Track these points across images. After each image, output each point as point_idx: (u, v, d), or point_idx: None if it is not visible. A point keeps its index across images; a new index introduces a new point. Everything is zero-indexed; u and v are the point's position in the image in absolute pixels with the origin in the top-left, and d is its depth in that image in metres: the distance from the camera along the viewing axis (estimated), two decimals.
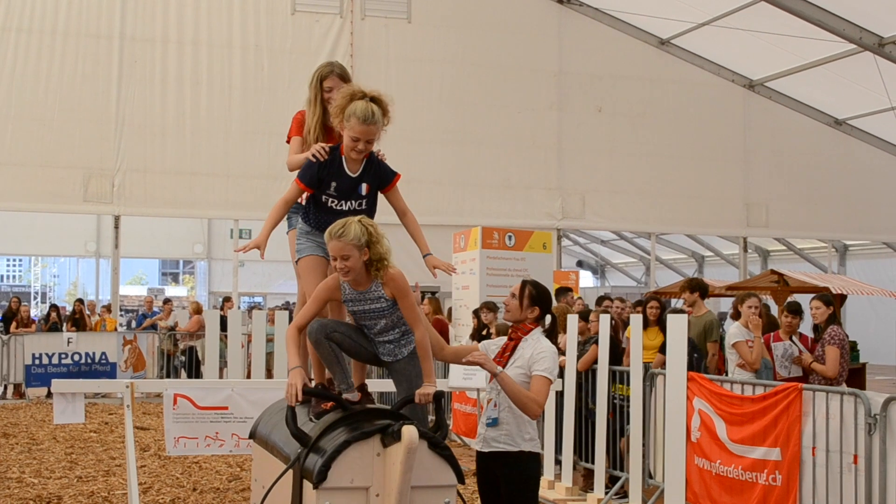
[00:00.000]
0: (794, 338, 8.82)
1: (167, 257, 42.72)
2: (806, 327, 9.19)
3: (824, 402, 6.42)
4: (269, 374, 11.51)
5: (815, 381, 8.13)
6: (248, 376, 10.59)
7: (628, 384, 8.60)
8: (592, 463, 9.17)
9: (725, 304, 20.45)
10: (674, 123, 20.99)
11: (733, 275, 23.30)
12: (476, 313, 12.14)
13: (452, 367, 4.62)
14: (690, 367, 7.84)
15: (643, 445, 8.31)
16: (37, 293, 47.82)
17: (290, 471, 4.51)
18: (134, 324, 21.42)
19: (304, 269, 5.10)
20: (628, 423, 8.57)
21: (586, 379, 9.40)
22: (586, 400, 9.40)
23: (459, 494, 4.62)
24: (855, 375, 12.17)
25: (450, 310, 14.96)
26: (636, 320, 8.62)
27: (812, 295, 9.12)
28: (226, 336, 11.40)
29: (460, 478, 4.51)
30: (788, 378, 8.34)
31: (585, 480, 9.47)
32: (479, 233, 13.42)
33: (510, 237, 13.49)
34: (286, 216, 5.39)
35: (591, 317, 10.09)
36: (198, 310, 18.17)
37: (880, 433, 5.93)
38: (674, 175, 20.93)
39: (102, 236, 27.48)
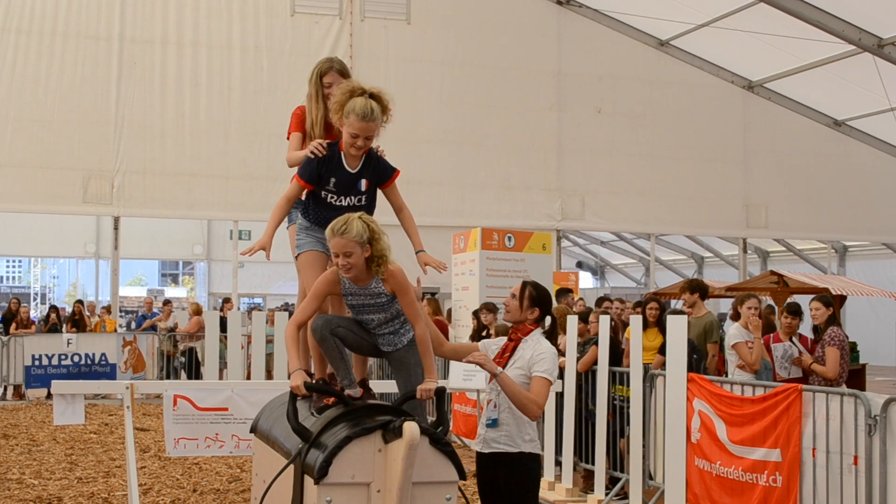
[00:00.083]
0: (793, 339, 8.82)
1: (167, 258, 42.72)
2: (805, 328, 9.20)
3: (824, 403, 6.42)
4: (269, 375, 11.51)
5: (815, 382, 8.13)
6: (248, 377, 10.59)
7: (628, 385, 8.60)
8: (592, 464, 9.17)
9: (725, 305, 20.45)
10: (673, 124, 20.99)
11: (733, 276, 23.30)
12: (476, 314, 12.15)
13: (452, 368, 4.63)
14: (690, 368, 7.84)
15: (643, 446, 8.31)
16: (36, 294, 47.82)
17: (291, 466, 4.51)
18: (133, 325, 21.42)
19: (303, 264, 5.10)
20: (628, 424, 8.57)
21: (586, 380, 9.40)
22: (586, 401, 9.39)
23: (461, 491, 4.62)
24: (855, 376, 12.18)
25: (449, 311, 14.96)
26: (636, 321, 8.62)
27: (812, 296, 9.11)
28: (225, 337, 11.40)
29: (462, 474, 4.51)
30: (788, 379, 8.35)
31: (585, 481, 9.46)
32: (479, 234, 13.42)
33: (510, 238, 13.50)
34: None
35: (591, 318, 10.09)
36: (197, 311, 18.17)
37: (880, 434, 5.93)
38: (673, 176, 20.93)
39: (102, 237, 27.47)
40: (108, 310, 19.06)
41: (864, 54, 17.69)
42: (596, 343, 9.19)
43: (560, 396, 9.22)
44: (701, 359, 9.06)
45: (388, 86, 5.09)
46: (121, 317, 20.87)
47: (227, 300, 19.46)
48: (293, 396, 4.63)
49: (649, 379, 8.37)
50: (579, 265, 34.92)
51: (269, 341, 10.93)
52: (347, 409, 4.61)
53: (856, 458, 6.12)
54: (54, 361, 16.91)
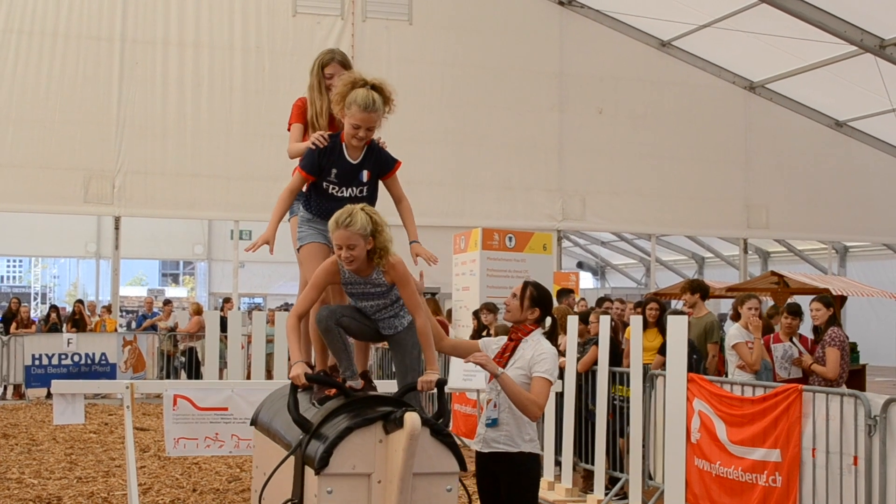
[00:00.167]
0: (793, 339, 8.82)
1: (167, 258, 42.71)
2: (806, 328, 9.20)
3: (824, 403, 6.42)
4: (269, 375, 11.50)
5: (815, 382, 8.13)
6: (248, 377, 10.59)
7: (628, 385, 8.60)
8: (592, 464, 9.17)
9: (725, 306, 20.44)
10: (674, 125, 20.99)
11: (733, 276, 23.30)
12: (476, 314, 12.15)
13: (452, 368, 4.66)
14: (689, 369, 7.83)
15: (643, 446, 8.31)
16: (37, 294, 47.81)
17: (292, 457, 4.51)
18: (134, 325, 21.42)
19: (305, 256, 5.10)
20: (628, 424, 8.57)
21: (586, 380, 9.40)
22: (586, 401, 9.39)
23: (461, 482, 4.62)
24: (855, 377, 12.17)
25: (449, 311, 14.95)
26: (636, 321, 8.62)
27: (812, 296, 9.11)
28: (226, 337, 11.40)
29: (462, 465, 4.52)
30: (788, 379, 8.35)
31: (585, 481, 9.46)
32: (480, 234, 13.41)
33: (510, 238, 13.49)
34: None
35: (591, 318, 10.08)
36: (198, 311, 18.17)
37: (880, 434, 5.93)
38: (674, 176, 20.94)
39: (103, 237, 27.50)
40: (108, 309, 19.07)
41: (865, 55, 17.69)
42: (596, 343, 9.19)
43: (560, 396, 9.22)
44: (701, 359, 9.06)
45: None
46: (121, 317, 20.88)
47: (227, 300, 19.46)
48: (294, 387, 4.64)
49: (649, 379, 8.37)
50: (580, 265, 34.93)
51: (270, 341, 10.91)
52: (348, 400, 4.61)
53: (855, 458, 6.12)
54: (54, 361, 16.92)
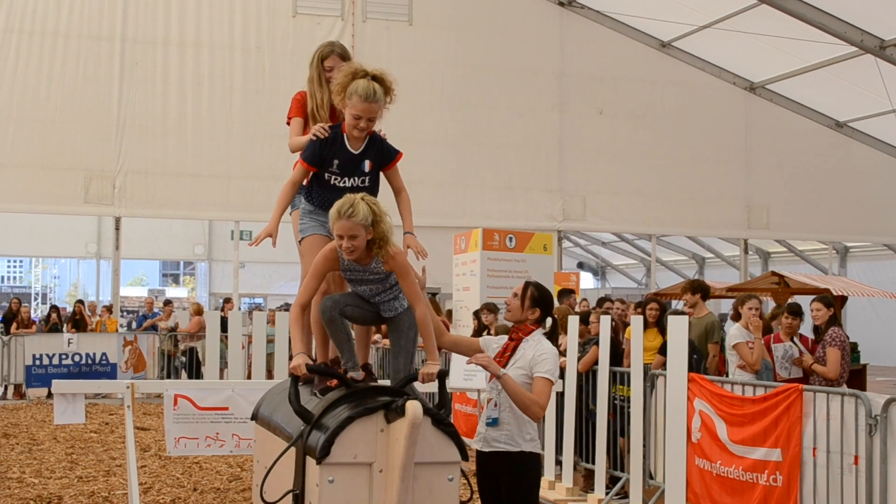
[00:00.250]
0: (794, 339, 8.82)
1: (168, 258, 42.73)
2: (806, 328, 9.20)
3: (825, 403, 6.42)
4: (270, 375, 11.49)
5: (816, 382, 8.14)
6: (249, 377, 10.59)
7: (628, 385, 8.60)
8: (593, 463, 9.17)
9: (726, 306, 20.45)
10: (675, 125, 21.00)
11: (734, 276, 23.30)
12: (477, 315, 12.15)
13: (453, 367, 4.67)
14: (690, 369, 7.84)
15: (644, 446, 8.31)
16: (37, 294, 47.84)
17: (293, 449, 4.51)
18: (134, 325, 21.43)
19: (307, 248, 5.09)
20: (629, 423, 8.57)
21: (587, 380, 9.40)
22: (587, 401, 9.40)
23: (463, 472, 4.62)
24: (855, 377, 12.17)
25: (450, 311, 14.96)
26: (636, 321, 8.63)
27: (813, 296, 9.12)
28: (226, 337, 11.40)
29: (464, 455, 4.52)
30: (788, 379, 8.35)
31: (586, 481, 9.47)
32: (480, 234, 13.41)
33: (511, 239, 13.49)
34: None
35: (592, 318, 10.09)
36: (198, 311, 18.18)
37: (881, 434, 5.93)
38: (675, 177, 20.93)
39: (103, 237, 27.50)
40: (108, 309, 19.06)
41: (865, 56, 17.69)
42: (597, 343, 9.19)
43: (561, 396, 9.23)
44: (701, 359, 9.07)
45: None
46: (122, 317, 20.88)
47: (227, 300, 19.47)
48: (294, 379, 4.64)
49: (650, 379, 8.38)
50: (580, 266, 34.94)
51: (270, 341, 10.92)
52: (349, 390, 4.62)
53: (856, 458, 6.12)
54: (55, 361, 16.93)
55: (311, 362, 4.74)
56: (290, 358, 4.75)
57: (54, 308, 19.96)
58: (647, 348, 8.96)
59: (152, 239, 27.72)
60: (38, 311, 35.23)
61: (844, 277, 22.33)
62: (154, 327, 18.74)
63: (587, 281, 34.51)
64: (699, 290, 9.92)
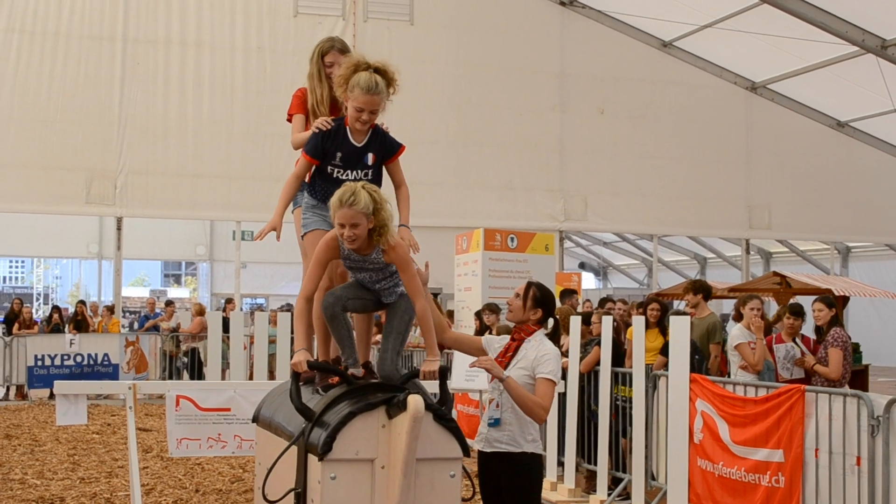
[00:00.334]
0: (795, 339, 8.82)
1: (169, 259, 42.78)
2: (808, 329, 9.19)
3: (827, 403, 6.42)
4: (272, 376, 11.50)
5: (818, 382, 8.13)
6: (251, 378, 10.59)
7: (630, 386, 8.60)
8: (595, 464, 9.17)
9: (728, 306, 20.43)
10: (676, 125, 20.99)
11: (735, 277, 23.28)
12: (478, 315, 12.15)
13: (455, 368, 4.68)
14: (691, 369, 7.83)
15: (646, 447, 8.31)
16: (39, 295, 47.87)
17: (295, 448, 4.50)
18: (136, 325, 21.44)
19: (310, 243, 5.07)
20: (631, 424, 8.56)
21: (588, 380, 9.40)
22: (589, 401, 9.39)
23: (464, 468, 4.62)
24: (857, 377, 12.17)
25: (450, 311, 14.96)
26: (638, 322, 8.62)
27: (814, 297, 9.11)
28: (228, 338, 11.39)
29: (465, 451, 4.51)
30: (790, 380, 8.35)
31: (588, 482, 9.46)
32: (482, 234, 13.41)
33: (512, 239, 13.49)
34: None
35: (594, 318, 10.08)
36: (200, 311, 18.19)
37: (883, 435, 5.93)
38: (676, 177, 20.93)
39: (105, 238, 27.47)
40: (110, 310, 19.05)
41: (867, 55, 17.68)
42: (598, 344, 9.19)
43: (563, 397, 9.22)
44: (702, 360, 9.06)
45: None
46: (123, 317, 20.88)
47: (229, 301, 19.47)
48: (295, 376, 4.64)
49: (652, 379, 8.37)
50: (582, 266, 34.91)
51: (272, 342, 10.92)
52: (350, 387, 4.61)
53: (858, 458, 6.12)
54: (57, 362, 16.93)
55: (312, 359, 4.74)
56: (292, 355, 4.75)
57: (56, 309, 19.97)
58: (648, 349, 8.95)
59: (154, 239, 27.70)
60: (39, 312, 35.23)
61: (846, 277, 22.30)
62: (156, 328, 18.75)
63: (589, 281, 34.49)
64: (701, 290, 9.91)
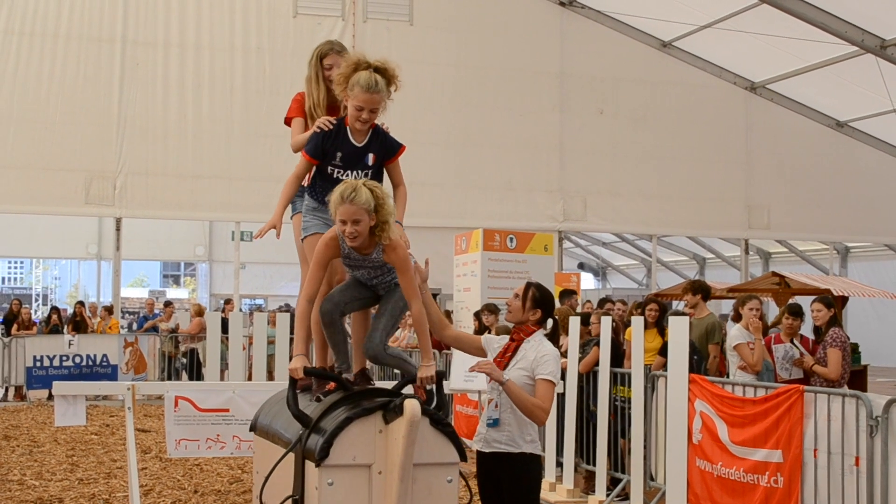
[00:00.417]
0: (794, 340, 8.81)
1: (168, 259, 42.75)
2: (807, 329, 9.19)
3: (826, 404, 6.42)
4: (271, 377, 11.50)
5: (817, 382, 8.13)
6: (250, 378, 10.59)
7: (629, 386, 8.60)
8: (594, 465, 9.16)
9: (727, 307, 20.44)
10: (675, 125, 20.99)
11: (734, 277, 23.30)
12: (477, 315, 12.15)
13: (454, 369, 4.68)
14: (690, 370, 7.83)
15: (644, 447, 8.31)
16: (38, 295, 47.85)
17: (292, 455, 4.50)
18: (135, 326, 21.43)
19: (310, 247, 5.06)
20: (629, 424, 8.56)
21: (587, 381, 9.40)
22: (587, 402, 9.39)
23: (462, 476, 4.61)
24: (856, 377, 12.16)
25: (448, 312, 14.95)
26: (637, 322, 8.62)
27: (813, 297, 9.11)
28: (227, 338, 11.39)
29: (462, 455, 4.51)
30: (789, 380, 8.34)
31: (587, 482, 9.46)
32: (481, 235, 13.40)
33: (511, 239, 13.48)
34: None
35: (592, 319, 10.08)
36: (199, 312, 18.18)
37: (882, 435, 5.93)
38: (675, 177, 20.93)
39: (104, 239, 27.49)
40: (108, 310, 19.04)
41: (866, 55, 17.68)
42: (597, 344, 9.18)
43: (561, 397, 9.22)
44: (701, 360, 9.05)
45: None
46: (122, 318, 20.87)
47: (228, 301, 19.46)
48: (293, 382, 4.63)
49: (651, 380, 8.37)
50: (581, 266, 34.91)
51: (271, 342, 10.91)
52: (347, 393, 4.61)
53: (857, 459, 6.12)
54: (55, 362, 16.92)
55: (309, 365, 4.73)
56: (291, 357, 4.76)
57: (55, 309, 19.95)
58: (647, 349, 8.95)
59: (153, 240, 27.72)
60: (38, 313, 35.22)
61: (845, 278, 22.32)
62: (155, 328, 18.74)
63: (588, 281, 34.50)
64: (700, 290, 9.90)
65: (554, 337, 5.13)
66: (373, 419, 4.37)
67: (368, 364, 5.08)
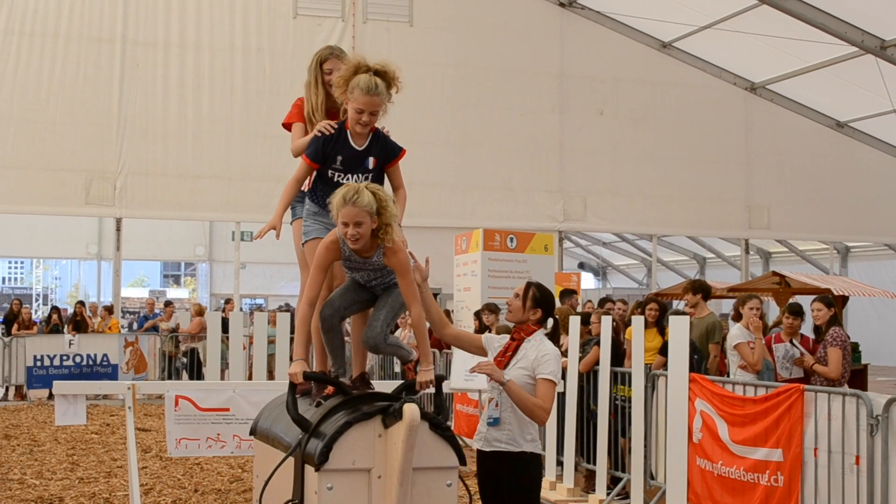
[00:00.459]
0: (793, 340, 8.82)
1: (169, 259, 42.77)
2: (807, 328, 9.19)
3: (826, 403, 6.42)
4: (271, 376, 11.51)
5: (817, 382, 8.13)
6: (250, 378, 10.60)
7: (629, 385, 8.60)
8: (594, 464, 9.17)
9: (727, 306, 20.45)
10: (675, 126, 21.00)
11: (735, 276, 23.30)
12: (477, 315, 12.16)
13: (454, 368, 4.68)
14: (691, 369, 7.83)
15: (645, 446, 8.31)
16: (38, 295, 47.85)
17: (292, 459, 4.50)
18: (135, 326, 21.43)
19: (311, 251, 5.07)
20: (630, 423, 8.57)
21: (588, 380, 9.40)
22: (588, 401, 9.39)
23: (461, 479, 4.61)
24: (857, 376, 12.17)
25: (447, 311, 14.95)
26: (637, 321, 8.62)
27: (813, 296, 9.11)
28: (227, 338, 11.40)
29: (462, 460, 4.51)
30: (789, 379, 8.35)
31: (587, 481, 9.46)
32: (481, 235, 13.41)
33: (512, 239, 13.49)
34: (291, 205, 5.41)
35: (593, 318, 10.09)
36: (200, 311, 18.18)
37: (882, 434, 5.93)
38: (675, 177, 20.94)
39: (104, 239, 27.49)
40: (108, 310, 19.04)
41: (866, 56, 17.69)
42: (598, 343, 9.19)
43: (562, 396, 9.22)
44: (701, 359, 9.06)
45: None
46: (122, 318, 20.87)
47: (228, 301, 19.46)
48: (293, 386, 4.64)
49: (651, 379, 8.37)
50: (581, 266, 34.92)
51: (271, 342, 10.93)
52: (346, 397, 4.61)
53: (857, 458, 6.12)
54: (56, 362, 16.92)
55: (308, 370, 4.74)
56: (291, 357, 4.76)
57: (55, 309, 19.94)
58: (647, 348, 8.95)
59: (153, 240, 27.72)
60: (39, 313, 35.22)
61: (845, 277, 22.33)
62: (155, 328, 18.74)
63: (588, 281, 34.50)
64: (700, 290, 9.91)
65: (554, 336, 5.13)
66: (372, 423, 4.37)
67: (369, 364, 5.09)
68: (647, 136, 20.80)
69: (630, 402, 8.58)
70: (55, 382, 7.58)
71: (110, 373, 17.05)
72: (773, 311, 16.05)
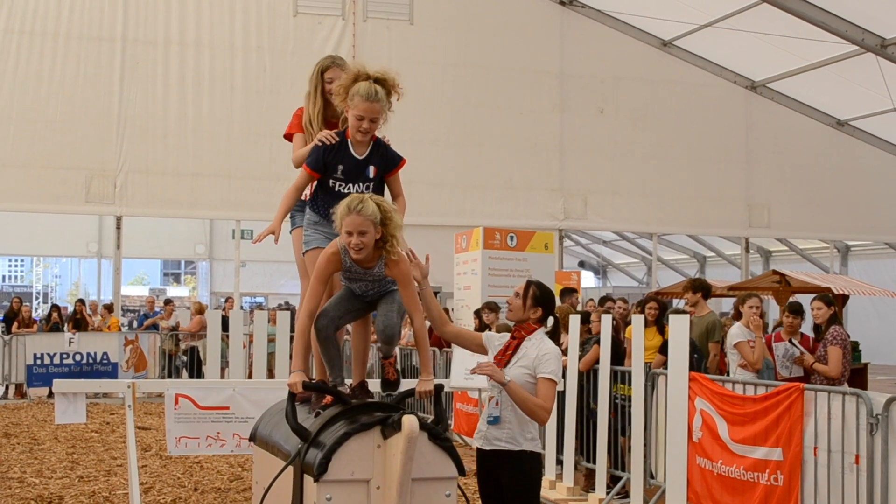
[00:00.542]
0: (792, 339, 8.81)
1: (169, 258, 42.74)
2: (807, 327, 9.19)
3: (826, 402, 6.42)
4: (271, 374, 11.52)
5: (817, 381, 8.13)
6: (250, 376, 10.60)
7: (629, 384, 8.60)
8: (594, 463, 9.17)
9: (727, 305, 20.45)
10: (676, 124, 21.00)
11: (735, 275, 23.30)
12: (478, 313, 12.16)
13: (454, 366, 4.68)
14: (691, 368, 7.83)
15: (644, 445, 8.31)
16: (38, 294, 47.82)
17: (291, 468, 4.49)
18: (135, 324, 21.43)
19: (312, 261, 5.06)
20: (630, 422, 8.57)
21: (588, 379, 9.40)
22: (588, 400, 9.39)
23: (460, 488, 4.61)
24: (857, 375, 12.16)
25: (446, 309, 14.96)
26: (638, 320, 8.62)
27: (814, 295, 9.11)
28: (227, 336, 11.40)
29: (461, 470, 4.51)
30: (789, 378, 8.34)
31: (587, 480, 9.46)
32: (481, 233, 13.42)
33: (512, 238, 13.49)
34: (290, 213, 5.40)
35: (593, 317, 10.08)
36: (200, 310, 18.18)
37: (882, 433, 5.93)
38: (675, 176, 20.94)
39: (104, 237, 27.48)
40: (108, 308, 19.04)
41: (866, 54, 17.69)
42: (597, 342, 9.19)
43: (562, 395, 9.22)
44: (701, 358, 9.05)
45: None
46: (123, 316, 20.88)
47: (228, 299, 19.46)
48: (292, 396, 4.63)
49: (651, 378, 8.37)
50: (581, 265, 34.92)
51: (271, 340, 10.92)
52: (345, 407, 4.61)
53: (857, 457, 6.12)
54: (56, 360, 16.93)
55: (308, 380, 4.73)
56: (291, 357, 4.76)
57: (55, 307, 19.94)
58: (647, 347, 8.95)
59: (153, 238, 27.73)
60: (39, 311, 35.22)
61: (845, 276, 22.31)
62: (155, 326, 18.74)
63: (588, 280, 34.52)
64: (700, 288, 9.89)
65: (555, 335, 5.12)
66: (371, 434, 4.37)
67: (369, 365, 5.09)
68: (647, 134, 20.80)
69: (630, 400, 8.58)
70: (55, 381, 7.58)
71: (110, 371, 17.06)
72: (774, 310, 16.06)
